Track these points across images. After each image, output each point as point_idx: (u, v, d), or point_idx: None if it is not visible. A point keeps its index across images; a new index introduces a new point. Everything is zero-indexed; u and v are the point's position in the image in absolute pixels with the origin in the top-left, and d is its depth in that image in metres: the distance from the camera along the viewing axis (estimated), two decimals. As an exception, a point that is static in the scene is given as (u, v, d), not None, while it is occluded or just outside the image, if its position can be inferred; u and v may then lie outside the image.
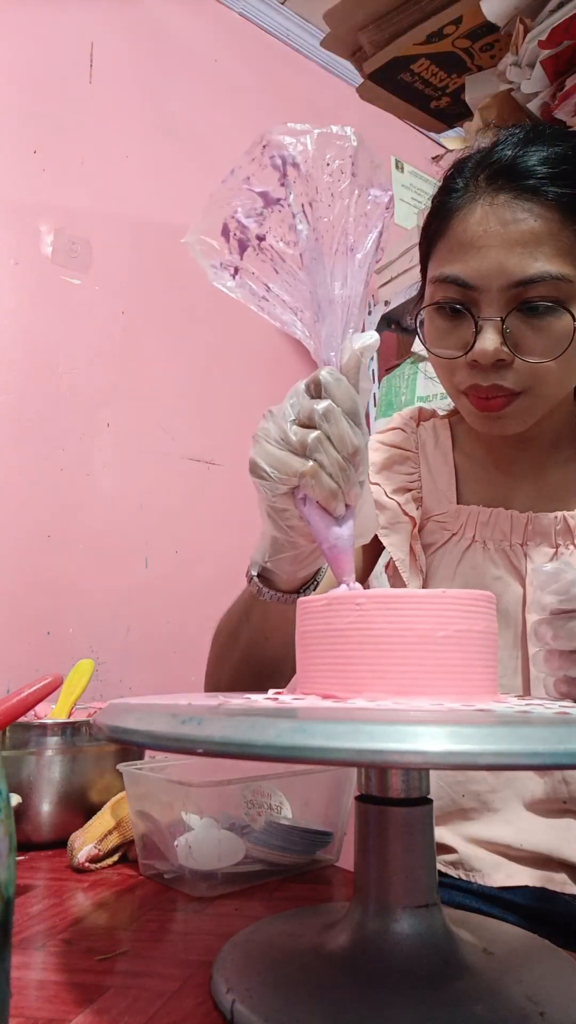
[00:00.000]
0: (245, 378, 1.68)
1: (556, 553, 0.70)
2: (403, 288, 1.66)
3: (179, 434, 1.55)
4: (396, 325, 1.77)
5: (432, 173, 2.36)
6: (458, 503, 0.75)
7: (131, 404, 1.49)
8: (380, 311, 1.72)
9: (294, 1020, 0.37)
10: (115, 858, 0.70)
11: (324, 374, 0.48)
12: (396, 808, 0.43)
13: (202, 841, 0.62)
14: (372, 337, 0.49)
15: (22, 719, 0.76)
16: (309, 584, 0.61)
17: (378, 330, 1.74)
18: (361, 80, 1.54)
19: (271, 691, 0.47)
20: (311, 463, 0.48)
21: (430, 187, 2.18)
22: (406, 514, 0.74)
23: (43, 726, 0.77)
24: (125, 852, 0.70)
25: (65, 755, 0.76)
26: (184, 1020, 0.40)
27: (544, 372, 0.62)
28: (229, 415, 1.63)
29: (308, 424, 0.48)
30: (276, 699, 0.42)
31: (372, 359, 1.74)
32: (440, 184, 0.69)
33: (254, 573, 0.61)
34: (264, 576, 0.61)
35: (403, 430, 0.81)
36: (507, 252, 0.60)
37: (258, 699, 0.42)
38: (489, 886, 0.67)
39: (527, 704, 0.41)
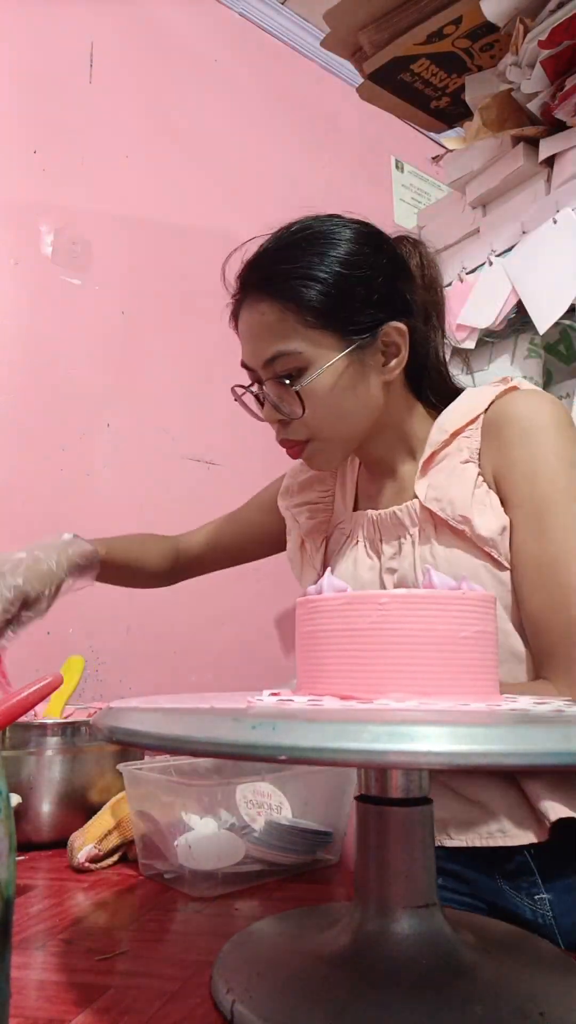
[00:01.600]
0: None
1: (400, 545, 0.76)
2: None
3: (179, 434, 1.55)
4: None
5: (432, 173, 2.37)
6: (355, 511, 0.84)
7: (131, 404, 1.49)
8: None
9: (294, 1020, 0.37)
10: (115, 858, 0.70)
11: None
12: (396, 808, 0.43)
13: (202, 841, 0.62)
14: None
15: (22, 719, 0.76)
16: None
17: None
18: (361, 80, 1.54)
19: (266, 692, 0.46)
20: None
21: (430, 187, 2.19)
22: (295, 520, 0.89)
23: (43, 726, 0.77)
24: (125, 852, 0.70)
25: (65, 755, 0.76)
26: (184, 1020, 0.40)
27: (310, 422, 0.73)
28: (229, 415, 1.62)
29: None
30: (291, 700, 0.41)
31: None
32: None
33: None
34: None
35: None
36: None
37: (270, 700, 0.42)
38: None
39: (543, 705, 0.41)
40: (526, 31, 1.22)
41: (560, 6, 1.18)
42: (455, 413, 0.74)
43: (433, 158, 1.66)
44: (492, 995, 0.39)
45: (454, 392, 0.79)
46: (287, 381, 0.72)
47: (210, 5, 1.80)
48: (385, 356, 0.74)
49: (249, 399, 0.81)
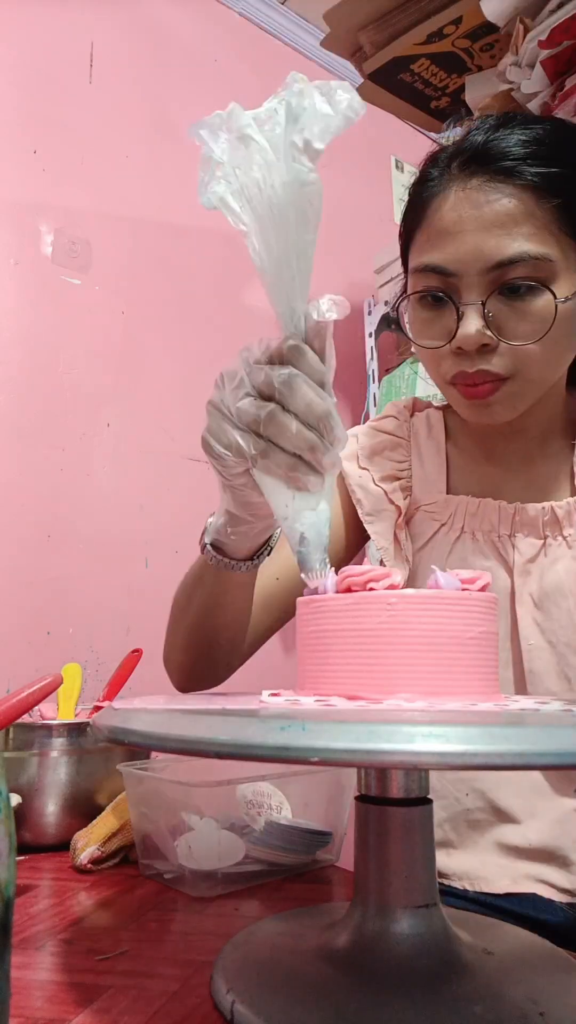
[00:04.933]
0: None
1: (544, 544, 0.69)
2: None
3: (179, 434, 1.55)
4: (396, 325, 1.76)
5: (432, 173, 2.34)
6: (447, 493, 0.74)
7: (131, 404, 1.49)
8: (380, 311, 1.72)
9: (294, 1020, 0.37)
10: (117, 860, 0.70)
11: (288, 344, 0.46)
12: (396, 808, 0.43)
13: (202, 841, 0.62)
14: (338, 304, 0.46)
15: (27, 720, 0.76)
16: (262, 551, 0.61)
17: (378, 330, 1.74)
18: (361, 80, 1.54)
19: (266, 692, 0.46)
20: (263, 444, 0.46)
21: (430, 187, 2.19)
22: (392, 502, 0.74)
23: (48, 727, 0.77)
24: (126, 853, 0.70)
25: (71, 756, 0.76)
26: (184, 1020, 0.40)
27: (529, 355, 0.61)
28: (229, 415, 1.63)
29: (266, 394, 0.46)
30: (297, 701, 0.41)
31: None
32: (416, 176, 0.68)
33: (207, 542, 0.61)
34: (217, 545, 0.61)
35: (396, 418, 0.80)
36: (483, 235, 0.59)
37: (277, 702, 0.42)
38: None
39: (549, 704, 0.41)
40: (526, 31, 1.22)
41: (560, 6, 1.18)
42: None
43: (433, 158, 1.66)
44: (492, 995, 0.39)
45: None
46: (523, 293, 0.59)
47: (210, 5, 1.80)
48: None
49: (421, 314, 0.65)
